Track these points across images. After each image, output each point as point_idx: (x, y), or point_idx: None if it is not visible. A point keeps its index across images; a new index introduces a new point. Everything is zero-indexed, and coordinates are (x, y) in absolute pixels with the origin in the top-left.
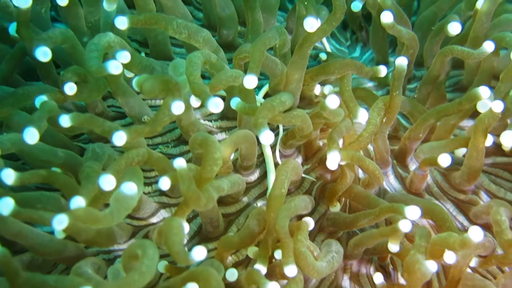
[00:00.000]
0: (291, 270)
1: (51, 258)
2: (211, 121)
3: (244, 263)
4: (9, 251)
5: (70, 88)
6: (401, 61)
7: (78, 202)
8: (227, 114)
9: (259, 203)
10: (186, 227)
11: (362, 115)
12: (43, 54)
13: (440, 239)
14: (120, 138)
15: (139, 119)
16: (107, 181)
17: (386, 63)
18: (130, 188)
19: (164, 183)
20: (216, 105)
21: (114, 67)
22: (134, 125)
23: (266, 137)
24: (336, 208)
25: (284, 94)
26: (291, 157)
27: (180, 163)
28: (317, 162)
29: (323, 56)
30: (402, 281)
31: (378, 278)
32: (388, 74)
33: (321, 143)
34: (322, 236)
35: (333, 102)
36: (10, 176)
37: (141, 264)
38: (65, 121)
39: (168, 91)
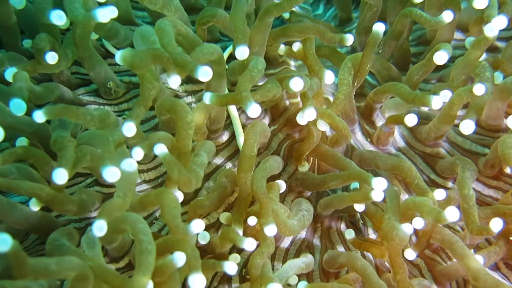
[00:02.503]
0: (270, 230)
1: (21, 228)
2: None
3: (215, 226)
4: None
5: (52, 57)
6: (378, 28)
7: (60, 173)
8: (192, 78)
9: (229, 165)
10: (180, 197)
11: (329, 77)
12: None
13: (414, 205)
14: (129, 129)
15: (105, 85)
16: (111, 173)
17: (349, 20)
18: (130, 164)
19: (137, 154)
20: (205, 74)
21: (103, 15)
22: (130, 112)
23: (254, 110)
24: (304, 167)
25: (258, 60)
26: (257, 119)
27: (161, 149)
28: (284, 123)
29: (286, 15)
30: (373, 236)
31: (349, 234)
32: (351, 31)
33: (287, 103)
34: (292, 196)
35: (296, 85)
36: None
37: (142, 243)
38: (40, 117)
39: (159, 64)
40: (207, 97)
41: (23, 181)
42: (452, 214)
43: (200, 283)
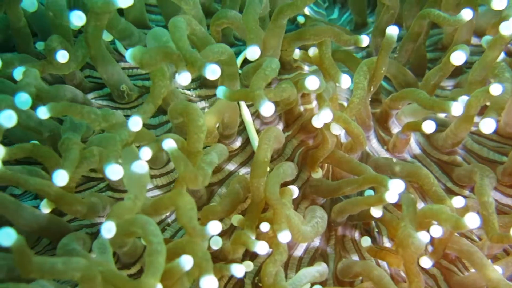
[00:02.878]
0: (284, 236)
1: (33, 232)
2: (189, 89)
3: (228, 233)
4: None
5: (63, 56)
6: (392, 31)
7: (61, 175)
8: (206, 82)
9: (242, 171)
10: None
11: (345, 81)
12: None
13: (431, 212)
14: (136, 123)
15: (117, 88)
16: (114, 170)
17: (365, 24)
18: (141, 166)
19: (145, 154)
20: (213, 72)
21: (123, 1)
22: (138, 107)
23: (267, 108)
24: (317, 174)
25: (272, 61)
26: (272, 124)
27: (170, 144)
28: (299, 128)
29: (301, 19)
30: (387, 244)
31: (366, 241)
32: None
33: (302, 109)
34: (306, 203)
35: (312, 84)
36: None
37: (152, 244)
38: (43, 113)
39: (170, 62)
40: (221, 91)
41: (31, 177)
42: (472, 220)
43: (212, 285)
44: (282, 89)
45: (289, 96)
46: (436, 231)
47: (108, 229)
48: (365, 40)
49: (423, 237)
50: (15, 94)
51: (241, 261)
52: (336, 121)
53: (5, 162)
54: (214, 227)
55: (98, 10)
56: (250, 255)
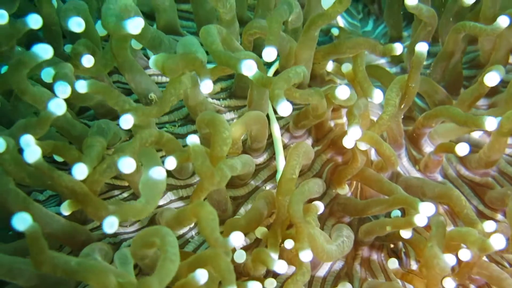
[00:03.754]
0: (306, 255)
1: (57, 240)
2: (219, 99)
3: (251, 248)
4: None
5: (88, 61)
6: (422, 48)
7: (80, 169)
8: (236, 93)
9: (268, 186)
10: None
11: (377, 96)
12: (77, 24)
13: (459, 235)
14: (127, 121)
15: (145, 96)
16: (126, 164)
17: (400, 38)
18: (159, 173)
19: (170, 163)
20: (249, 68)
21: (133, 27)
22: (141, 104)
23: (284, 108)
24: (344, 190)
25: (299, 66)
26: (301, 138)
27: (193, 139)
28: (329, 144)
29: (335, 31)
30: (414, 267)
31: (393, 263)
32: (403, 50)
33: (332, 124)
34: (333, 221)
35: (343, 93)
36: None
37: (167, 253)
38: (82, 86)
39: (192, 68)
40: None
41: (64, 173)
42: (497, 241)
43: None
44: (309, 93)
45: (317, 106)
46: (465, 254)
47: (110, 224)
48: (398, 48)
49: (449, 259)
50: (55, 82)
51: (264, 277)
52: (368, 141)
53: None
54: (237, 238)
55: (109, 32)
56: (274, 272)
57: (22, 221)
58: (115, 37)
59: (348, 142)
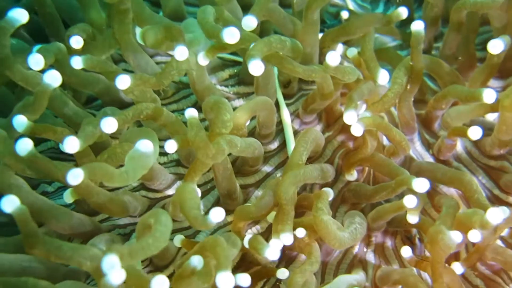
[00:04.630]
0: (287, 238)
1: (65, 233)
2: (227, 86)
3: (264, 236)
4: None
5: (77, 42)
6: (418, 27)
7: (71, 141)
8: (244, 80)
9: (279, 174)
10: (198, 192)
11: (383, 76)
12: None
13: (465, 216)
14: (123, 81)
15: None
16: (108, 123)
17: (411, 20)
18: (146, 145)
19: (170, 146)
20: (231, 35)
21: None
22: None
23: (255, 66)
24: (352, 176)
25: (286, 37)
26: (311, 124)
27: (191, 112)
28: (340, 129)
29: (344, 14)
30: (424, 254)
31: (406, 252)
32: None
33: (343, 109)
34: (345, 208)
35: (332, 59)
36: (22, 123)
37: (155, 230)
38: (77, 62)
39: (171, 37)
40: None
41: (61, 163)
42: (494, 215)
43: (228, 281)
44: (312, 69)
45: (322, 84)
46: (475, 236)
47: (75, 176)
48: (403, 12)
49: (454, 236)
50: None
51: (276, 267)
52: (376, 127)
53: None
54: (217, 214)
55: (109, 1)
56: (286, 260)
57: (9, 203)
58: (116, 21)
59: (355, 130)
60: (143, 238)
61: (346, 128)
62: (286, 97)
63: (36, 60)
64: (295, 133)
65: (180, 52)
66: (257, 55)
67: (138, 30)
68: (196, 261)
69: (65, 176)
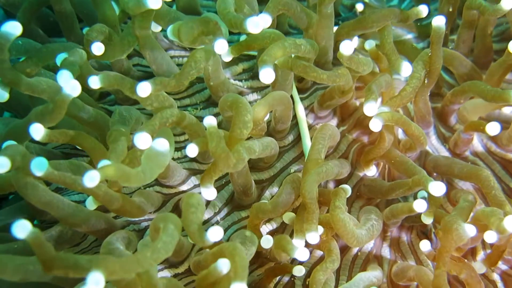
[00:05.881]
0: (313, 237)
1: (80, 230)
2: (241, 80)
3: (278, 232)
4: (41, 231)
5: (98, 48)
6: (439, 22)
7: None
8: (258, 74)
9: (294, 168)
10: (213, 193)
11: (406, 69)
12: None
13: (483, 214)
14: (144, 89)
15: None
16: (142, 139)
17: (428, 13)
18: (162, 144)
19: (191, 150)
20: (255, 25)
21: (153, 1)
22: (159, 77)
23: (266, 74)
24: (371, 171)
25: (301, 39)
26: (326, 119)
27: (209, 121)
28: (354, 123)
29: (359, 7)
30: None
31: (425, 245)
32: (430, 24)
33: (357, 103)
34: (360, 203)
35: (346, 48)
36: (39, 131)
37: (159, 240)
38: (94, 82)
39: (208, 32)
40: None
41: (80, 177)
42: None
43: None
44: (336, 74)
45: (344, 84)
46: (491, 236)
47: (91, 178)
48: (424, 10)
49: (469, 229)
50: (59, 69)
51: (291, 263)
52: (395, 122)
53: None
54: (215, 234)
55: (130, 12)
56: None
57: (21, 229)
58: (137, 17)
59: (374, 125)
60: (142, 250)
61: (360, 123)
62: (300, 91)
63: (65, 78)
64: (310, 127)
65: (221, 46)
66: (269, 61)
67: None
68: (223, 264)
69: (82, 179)
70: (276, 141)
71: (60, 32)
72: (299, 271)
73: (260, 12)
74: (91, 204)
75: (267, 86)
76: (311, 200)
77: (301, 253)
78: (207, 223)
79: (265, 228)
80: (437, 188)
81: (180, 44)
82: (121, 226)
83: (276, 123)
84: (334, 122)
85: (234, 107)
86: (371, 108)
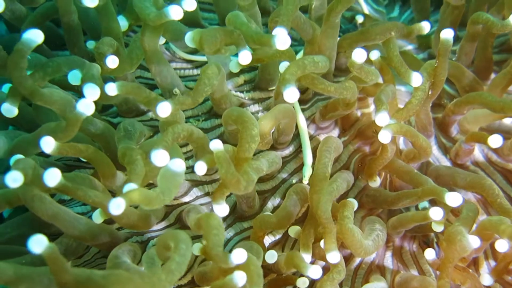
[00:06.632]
0: (334, 257)
1: (84, 242)
2: (243, 92)
3: (280, 243)
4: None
5: (113, 62)
6: (447, 35)
7: (131, 187)
8: (259, 85)
9: (295, 179)
10: (226, 209)
11: (416, 79)
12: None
13: (491, 224)
14: (164, 109)
15: (170, 90)
16: (160, 157)
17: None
18: (178, 165)
19: (200, 168)
20: (284, 42)
21: (175, 13)
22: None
23: (290, 93)
24: (375, 183)
25: (318, 55)
26: (327, 129)
27: (216, 145)
28: (355, 134)
29: (359, 18)
30: None
31: (430, 254)
32: (430, 36)
33: (359, 113)
34: (362, 213)
35: (359, 56)
36: (50, 144)
37: (171, 261)
38: (112, 89)
39: (231, 42)
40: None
41: (91, 190)
42: None
43: None
44: (344, 87)
45: (350, 97)
46: (502, 245)
47: (117, 205)
48: (426, 27)
49: (473, 240)
50: (84, 84)
51: (294, 274)
52: (403, 134)
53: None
54: (239, 256)
55: (151, 23)
56: None
57: (38, 244)
58: (148, 29)
59: (384, 136)
60: (157, 272)
61: (362, 133)
62: (301, 102)
63: (91, 91)
64: (311, 138)
65: (245, 56)
66: (292, 80)
67: None
68: (239, 277)
69: (107, 207)
70: (278, 152)
71: (60, 46)
72: (303, 283)
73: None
74: (98, 217)
75: (268, 98)
76: (327, 220)
77: (314, 271)
78: None
79: (268, 239)
80: (454, 199)
81: (181, 56)
82: (125, 238)
83: (279, 135)
84: (335, 132)
85: (240, 122)
86: (384, 118)
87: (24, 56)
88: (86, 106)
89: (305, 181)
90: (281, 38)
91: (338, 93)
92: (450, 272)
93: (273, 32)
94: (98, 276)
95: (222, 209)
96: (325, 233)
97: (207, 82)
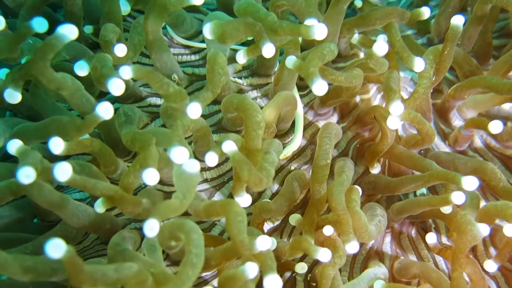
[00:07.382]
0: (353, 247)
1: (83, 229)
2: (241, 78)
3: (279, 229)
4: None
5: (121, 50)
6: (458, 21)
7: (152, 173)
8: (258, 71)
9: (293, 166)
10: (248, 199)
11: (419, 64)
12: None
13: (495, 209)
14: (195, 110)
15: (169, 76)
16: (179, 153)
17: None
18: (193, 166)
19: (211, 159)
20: (321, 31)
21: None
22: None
23: (319, 86)
24: (376, 169)
25: (331, 42)
26: (326, 116)
27: (230, 147)
28: (354, 120)
29: (358, 3)
30: (446, 243)
31: (431, 238)
32: (430, 21)
33: (358, 99)
34: (361, 199)
35: (381, 48)
36: (59, 145)
37: (190, 254)
38: (127, 72)
39: (252, 34)
40: (290, 61)
41: (99, 181)
42: None
43: (276, 284)
44: (353, 75)
45: (356, 84)
46: (510, 229)
47: (151, 228)
48: (426, 12)
49: (482, 228)
50: (107, 79)
51: (293, 261)
52: (411, 121)
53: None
54: (264, 242)
55: (171, 7)
56: (301, 256)
57: (56, 249)
58: (153, 14)
59: (392, 123)
60: (182, 270)
61: (360, 119)
62: (300, 88)
63: (116, 86)
64: (309, 124)
65: (268, 49)
66: (317, 73)
67: None
68: (251, 269)
69: (143, 228)
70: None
71: None
72: (301, 268)
73: None
74: (100, 207)
75: (266, 83)
76: (343, 211)
77: (324, 254)
78: (208, 221)
79: (266, 226)
80: (471, 182)
81: (179, 42)
82: (123, 224)
83: (279, 122)
84: (334, 119)
85: (242, 109)
86: (398, 107)
87: (54, 51)
88: (106, 110)
89: (281, 156)
90: (319, 27)
91: (348, 82)
92: (463, 263)
93: (306, 23)
94: (110, 270)
95: (245, 200)
96: (341, 224)
97: (221, 72)
